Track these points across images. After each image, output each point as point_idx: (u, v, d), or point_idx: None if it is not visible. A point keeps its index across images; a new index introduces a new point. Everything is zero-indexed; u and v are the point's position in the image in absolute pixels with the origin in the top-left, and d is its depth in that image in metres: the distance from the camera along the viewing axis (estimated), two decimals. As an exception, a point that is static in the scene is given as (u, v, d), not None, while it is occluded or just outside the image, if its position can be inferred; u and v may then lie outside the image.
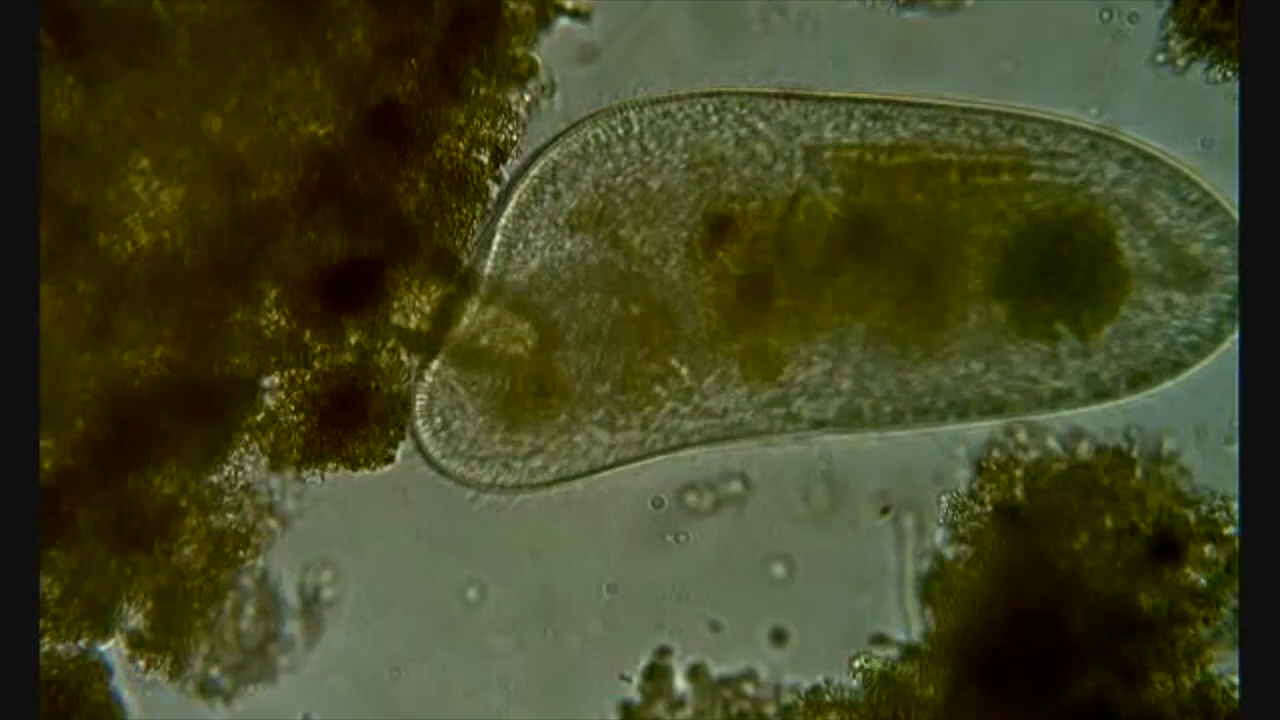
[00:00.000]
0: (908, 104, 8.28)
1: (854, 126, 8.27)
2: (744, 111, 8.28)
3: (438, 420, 8.34)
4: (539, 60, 8.24)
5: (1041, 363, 8.25)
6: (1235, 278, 8.17)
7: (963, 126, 8.27)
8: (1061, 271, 8.20)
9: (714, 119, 8.27)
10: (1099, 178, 8.23)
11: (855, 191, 8.21)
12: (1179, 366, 8.25)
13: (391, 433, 8.28)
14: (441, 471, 8.35)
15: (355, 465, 8.26)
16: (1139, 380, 8.25)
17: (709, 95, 8.28)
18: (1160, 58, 8.24)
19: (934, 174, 8.25)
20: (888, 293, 8.21)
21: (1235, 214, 8.19)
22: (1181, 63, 8.22)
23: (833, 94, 8.29)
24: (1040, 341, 8.23)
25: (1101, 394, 8.27)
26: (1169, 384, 8.26)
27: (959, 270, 8.19)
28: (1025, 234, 8.18)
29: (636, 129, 8.27)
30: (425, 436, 8.34)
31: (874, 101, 8.27)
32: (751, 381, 8.26)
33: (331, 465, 8.25)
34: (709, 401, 8.31)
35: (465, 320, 8.29)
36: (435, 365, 8.31)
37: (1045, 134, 8.26)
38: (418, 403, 8.32)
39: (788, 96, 8.26)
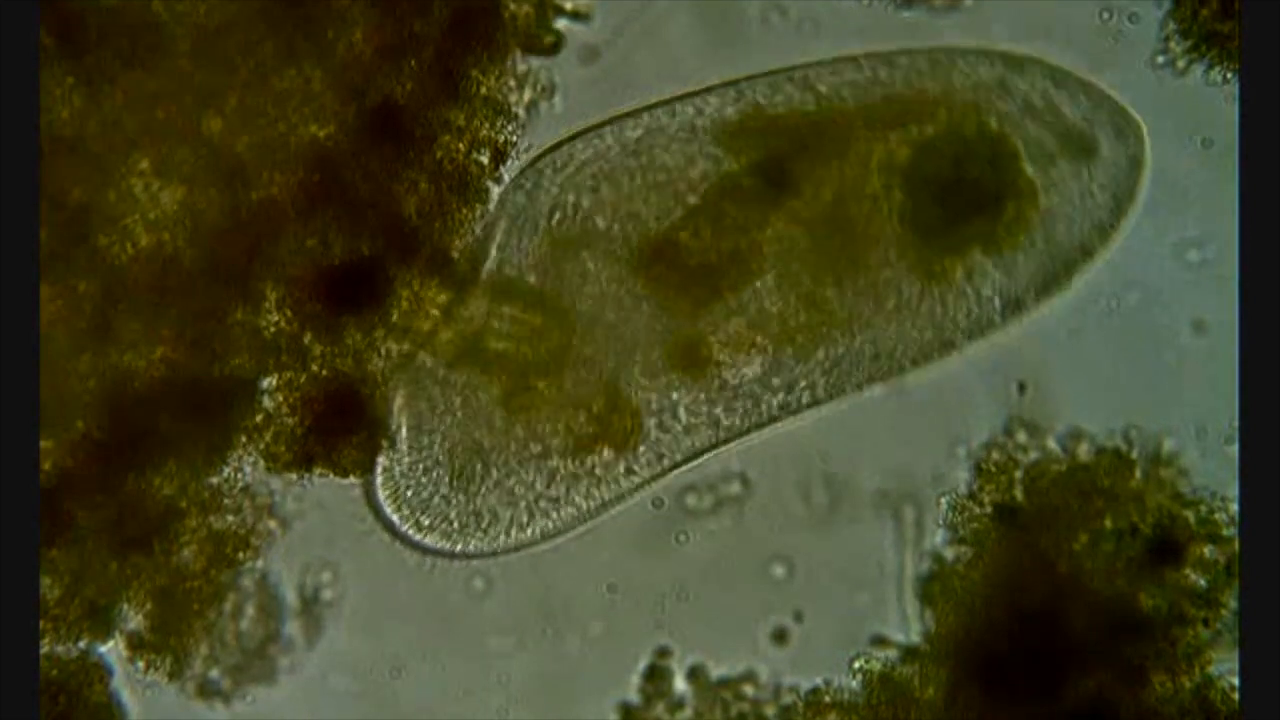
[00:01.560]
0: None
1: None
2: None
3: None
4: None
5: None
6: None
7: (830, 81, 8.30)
8: (966, 190, 8.22)
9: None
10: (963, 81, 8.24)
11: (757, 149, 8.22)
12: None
13: (383, 442, 8.28)
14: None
15: (344, 473, 8.26)
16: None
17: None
18: (1161, 59, 8.25)
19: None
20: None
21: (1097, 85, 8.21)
22: (1182, 64, 8.22)
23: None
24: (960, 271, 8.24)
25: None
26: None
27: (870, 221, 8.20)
28: (920, 167, 8.19)
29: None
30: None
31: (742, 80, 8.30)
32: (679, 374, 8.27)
33: (320, 470, 8.25)
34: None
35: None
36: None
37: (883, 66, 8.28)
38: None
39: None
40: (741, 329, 8.23)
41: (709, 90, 8.29)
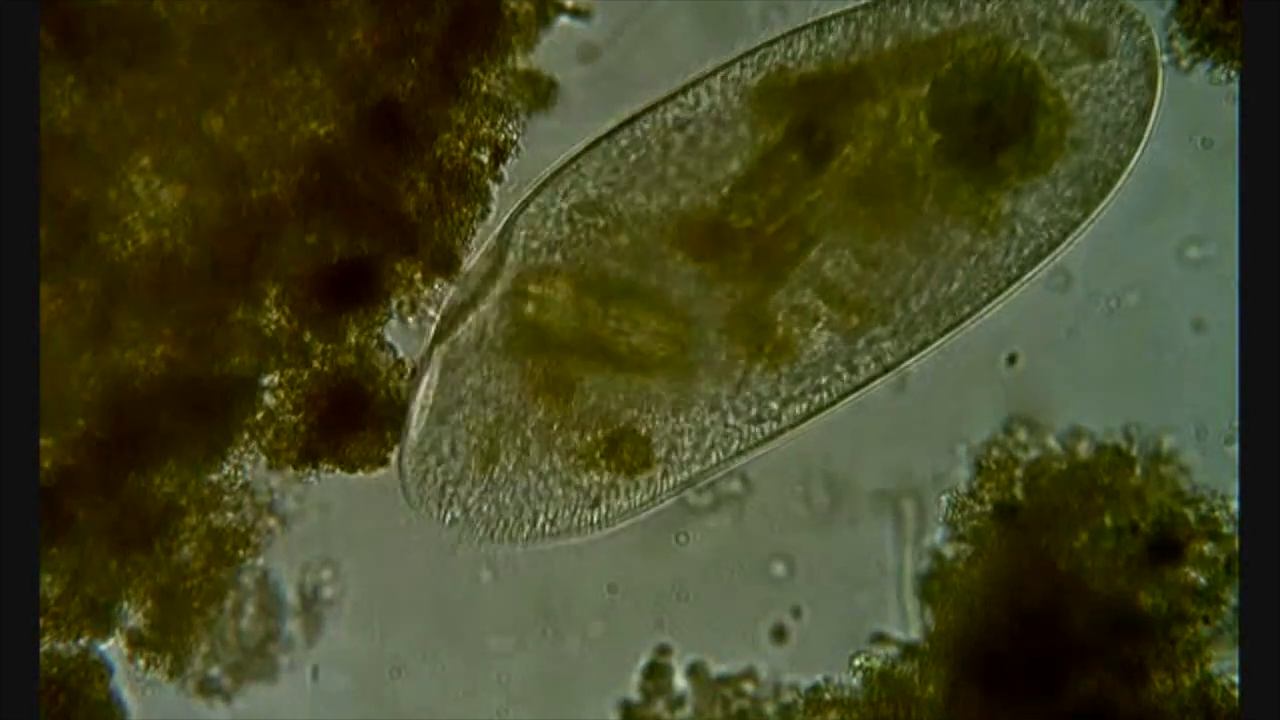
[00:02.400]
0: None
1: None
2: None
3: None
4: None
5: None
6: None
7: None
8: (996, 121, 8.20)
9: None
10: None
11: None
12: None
13: (388, 435, 8.28)
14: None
15: (351, 468, 8.26)
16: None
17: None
18: (1165, 58, 8.24)
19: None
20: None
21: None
22: (1185, 63, 8.22)
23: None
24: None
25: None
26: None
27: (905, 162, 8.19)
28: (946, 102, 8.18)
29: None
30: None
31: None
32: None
33: (327, 467, 8.26)
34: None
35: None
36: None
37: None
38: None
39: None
40: (809, 301, 8.22)
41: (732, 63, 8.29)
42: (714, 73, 8.26)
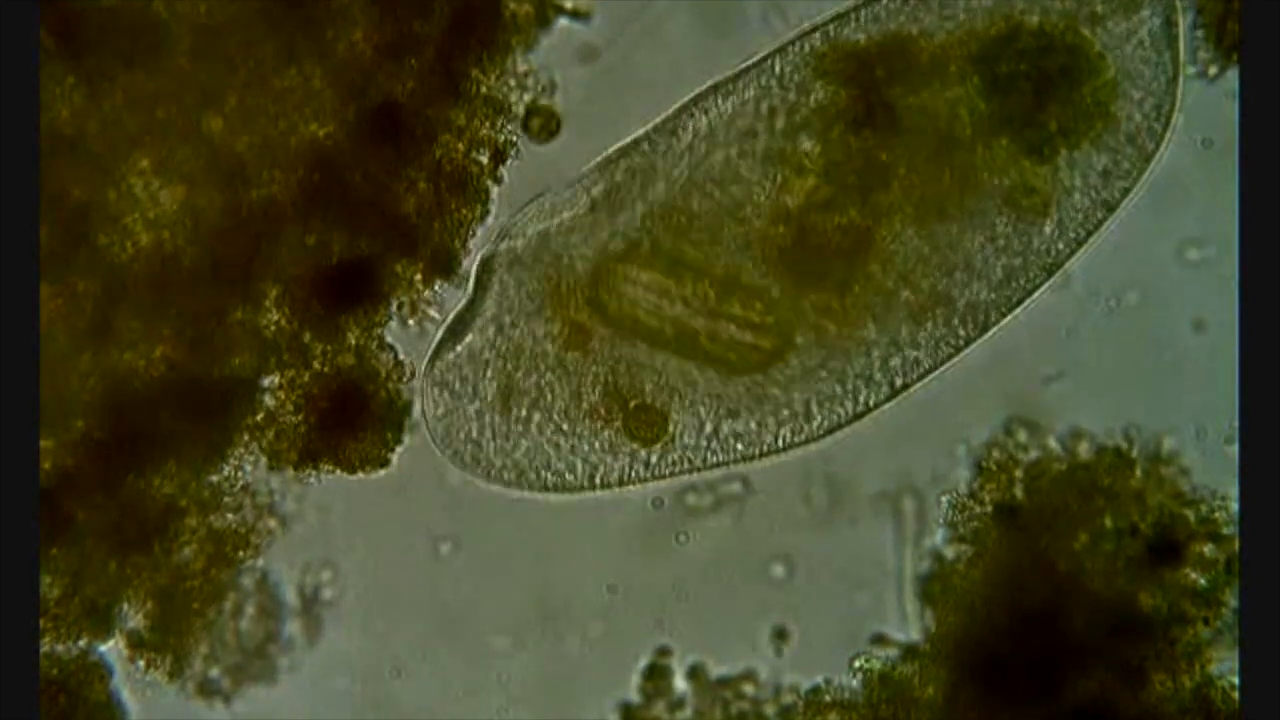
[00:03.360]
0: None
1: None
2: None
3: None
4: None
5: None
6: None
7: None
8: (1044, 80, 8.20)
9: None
10: None
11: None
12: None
13: (388, 436, 8.28)
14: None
15: (351, 469, 8.26)
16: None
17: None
18: (1191, 70, 8.24)
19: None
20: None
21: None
22: (1213, 72, 8.22)
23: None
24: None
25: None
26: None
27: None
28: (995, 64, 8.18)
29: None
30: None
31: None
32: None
33: (328, 468, 8.26)
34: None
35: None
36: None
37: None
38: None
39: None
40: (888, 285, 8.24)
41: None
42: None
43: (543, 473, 8.34)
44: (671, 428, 8.29)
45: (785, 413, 8.31)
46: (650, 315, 8.23)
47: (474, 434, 8.34)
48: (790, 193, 8.16)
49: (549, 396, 8.29)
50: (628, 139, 8.27)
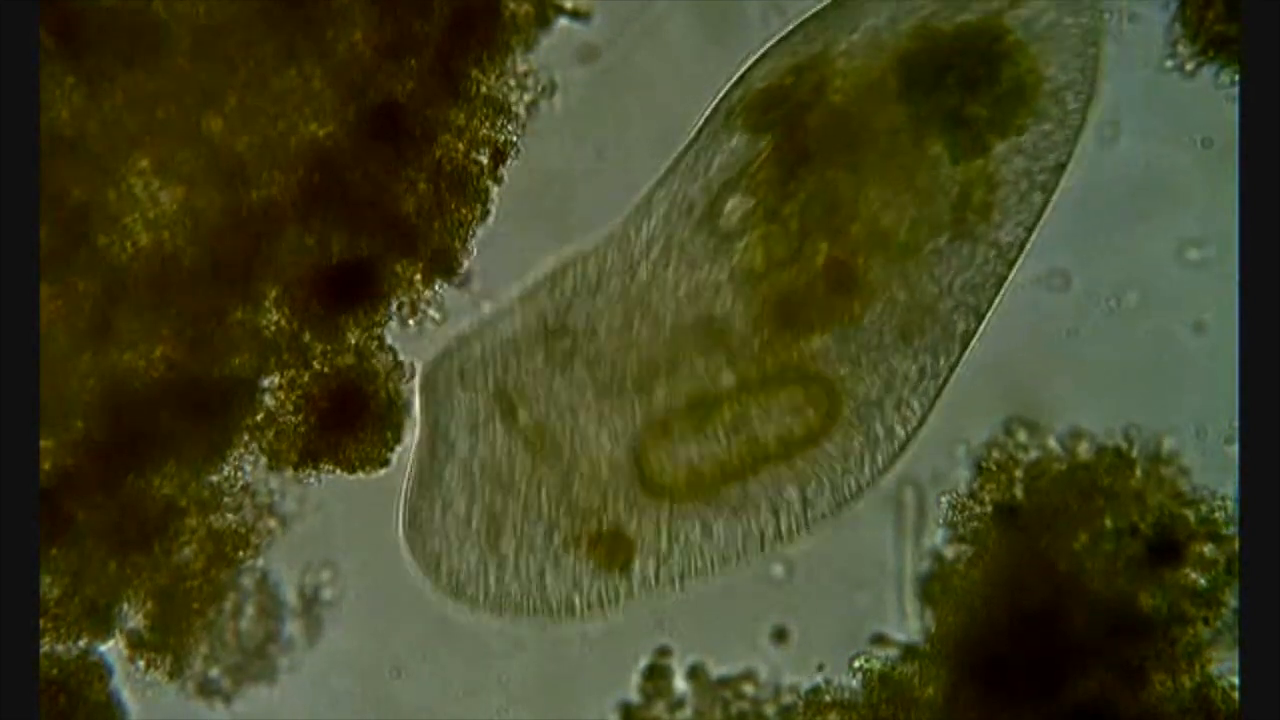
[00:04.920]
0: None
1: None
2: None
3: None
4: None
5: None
6: None
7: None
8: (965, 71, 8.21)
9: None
10: None
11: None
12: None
13: (388, 436, 8.28)
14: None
15: (351, 468, 8.26)
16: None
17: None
18: (1169, 63, 8.25)
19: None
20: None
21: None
22: (1190, 67, 8.22)
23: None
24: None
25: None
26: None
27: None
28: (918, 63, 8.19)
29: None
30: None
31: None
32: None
33: (328, 468, 8.26)
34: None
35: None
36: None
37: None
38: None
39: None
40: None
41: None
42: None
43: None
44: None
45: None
46: (704, 466, 8.25)
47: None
48: (746, 258, 8.17)
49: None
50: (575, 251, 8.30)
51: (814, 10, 8.27)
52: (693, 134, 8.29)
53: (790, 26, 8.26)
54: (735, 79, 8.27)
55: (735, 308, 8.18)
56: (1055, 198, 8.24)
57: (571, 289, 8.29)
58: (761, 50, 8.27)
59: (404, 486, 8.32)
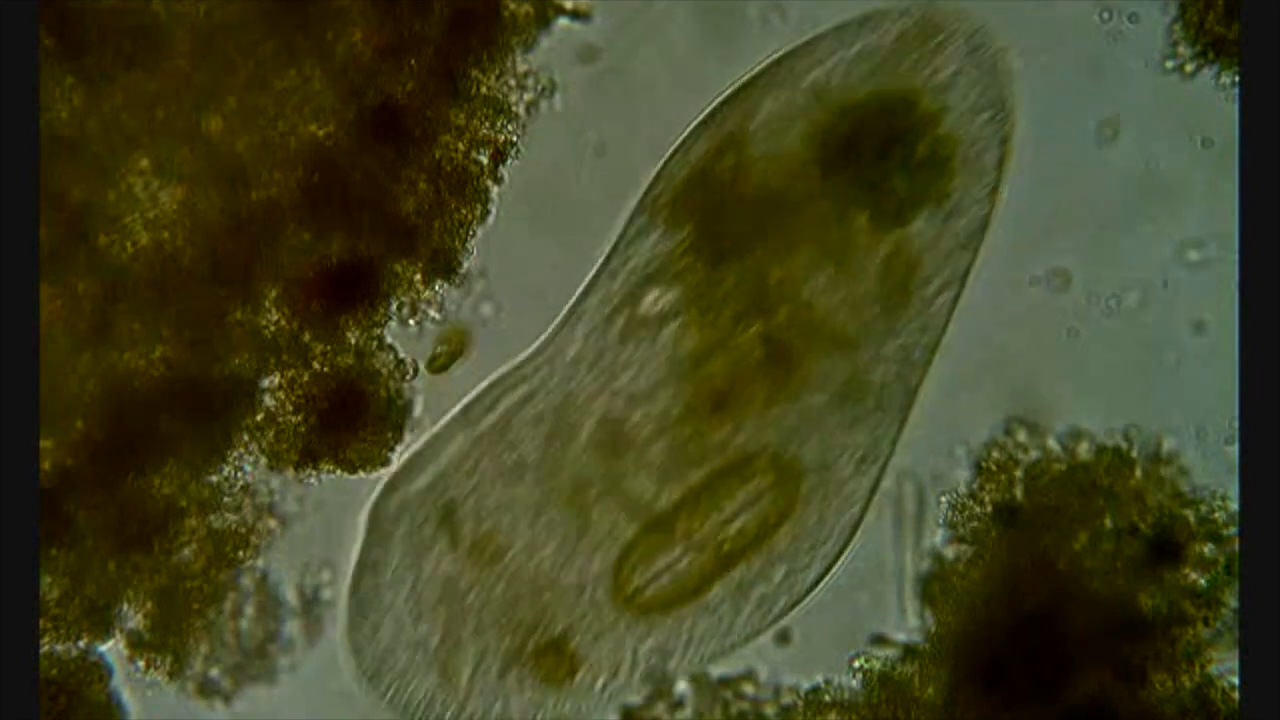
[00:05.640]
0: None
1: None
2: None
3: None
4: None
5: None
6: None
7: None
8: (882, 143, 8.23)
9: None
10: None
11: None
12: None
13: (389, 436, 8.28)
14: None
15: (352, 469, 8.26)
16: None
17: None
18: (1170, 64, 8.25)
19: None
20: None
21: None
22: (1190, 69, 8.23)
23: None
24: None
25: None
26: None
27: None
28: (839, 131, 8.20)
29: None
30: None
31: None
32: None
33: (328, 468, 8.25)
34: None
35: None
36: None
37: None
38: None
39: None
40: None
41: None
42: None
43: None
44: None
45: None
46: (679, 582, 8.25)
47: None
48: (674, 349, 8.19)
49: None
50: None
51: (726, 94, 8.28)
52: (615, 235, 8.31)
53: (705, 110, 8.27)
54: (655, 173, 8.30)
55: (666, 405, 8.20)
56: (982, 252, 8.27)
57: (506, 406, 8.31)
58: (679, 139, 8.28)
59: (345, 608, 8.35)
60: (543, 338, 8.32)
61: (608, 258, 8.30)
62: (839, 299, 8.15)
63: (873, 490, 8.28)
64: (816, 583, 8.30)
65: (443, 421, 8.32)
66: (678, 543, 8.17)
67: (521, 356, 8.31)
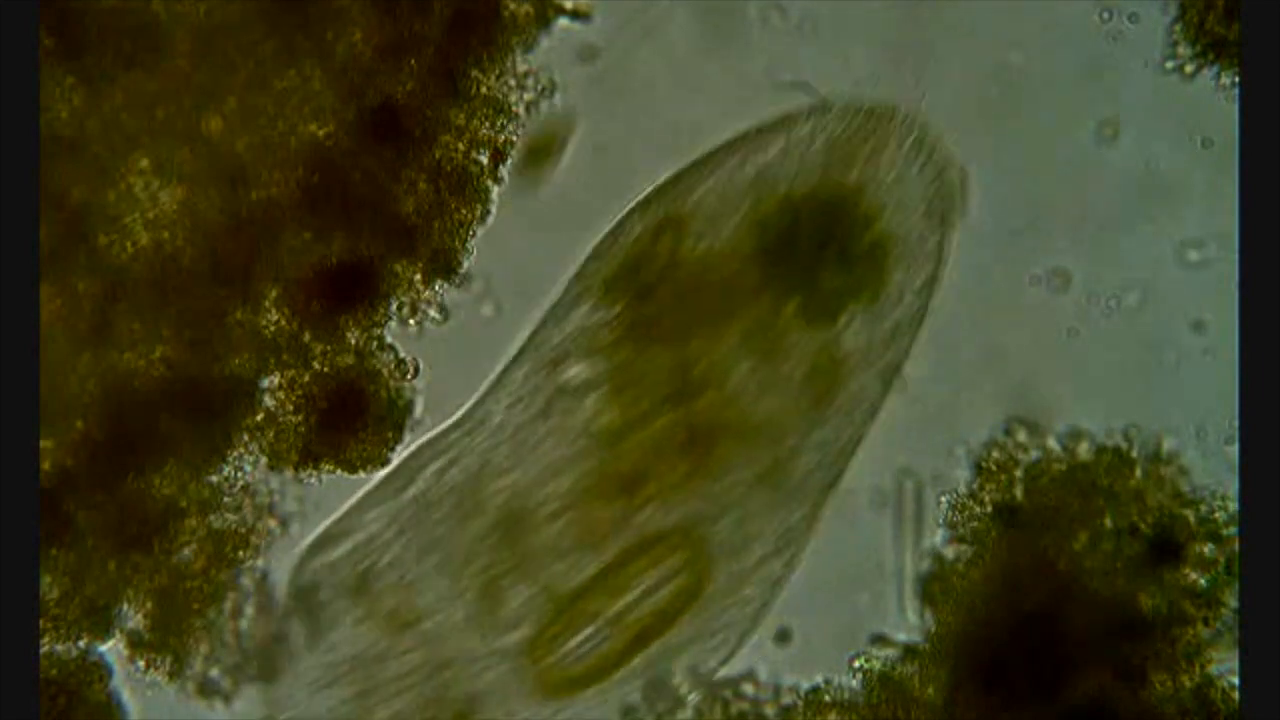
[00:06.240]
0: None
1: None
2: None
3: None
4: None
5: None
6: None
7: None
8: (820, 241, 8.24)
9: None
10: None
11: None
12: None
13: (389, 436, 8.28)
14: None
15: (352, 468, 8.26)
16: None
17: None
18: (1170, 65, 8.26)
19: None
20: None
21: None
22: (1190, 69, 8.23)
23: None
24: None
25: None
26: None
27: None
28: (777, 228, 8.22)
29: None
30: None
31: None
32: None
33: (328, 467, 8.25)
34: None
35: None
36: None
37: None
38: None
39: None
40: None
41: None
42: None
43: None
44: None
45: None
46: (591, 660, 8.26)
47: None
48: (596, 422, 8.21)
49: None
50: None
51: (668, 176, 8.31)
52: (547, 307, 8.32)
53: (646, 191, 8.29)
54: (592, 248, 8.32)
55: (580, 481, 8.21)
56: (913, 348, 8.30)
57: (426, 477, 8.32)
58: (618, 217, 8.30)
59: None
60: (468, 405, 8.31)
61: (538, 327, 8.30)
62: (765, 389, 8.17)
63: (786, 570, 8.27)
64: (726, 660, 8.32)
65: (364, 489, 8.31)
66: (589, 621, 8.18)
67: (445, 424, 8.31)
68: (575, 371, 8.19)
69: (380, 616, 8.20)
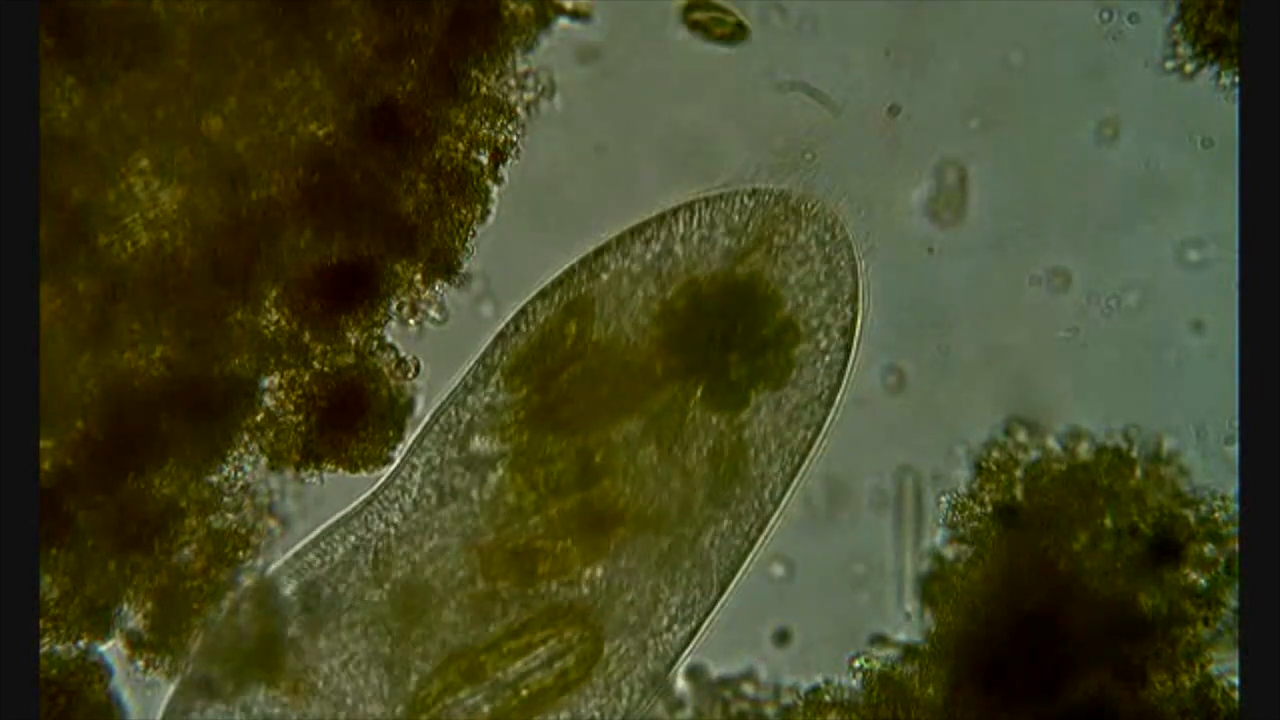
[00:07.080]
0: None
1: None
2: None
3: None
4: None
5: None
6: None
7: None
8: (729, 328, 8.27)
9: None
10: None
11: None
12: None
13: (390, 434, 8.28)
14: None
15: (354, 467, 8.26)
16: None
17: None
18: (1169, 64, 8.26)
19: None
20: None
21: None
22: (1190, 69, 8.23)
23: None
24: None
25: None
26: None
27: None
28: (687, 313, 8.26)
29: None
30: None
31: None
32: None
33: (330, 467, 8.25)
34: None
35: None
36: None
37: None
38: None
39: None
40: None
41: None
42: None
43: None
44: None
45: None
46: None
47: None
48: (499, 498, 8.22)
49: None
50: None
51: (577, 259, 8.33)
52: (453, 389, 8.33)
53: (555, 274, 8.31)
54: (498, 332, 8.35)
55: (477, 556, 8.22)
56: (827, 426, 8.32)
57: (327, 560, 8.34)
58: (526, 299, 8.33)
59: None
60: (386, 472, 8.32)
61: (446, 401, 8.32)
62: (669, 474, 8.19)
63: (685, 645, 8.30)
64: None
65: (285, 557, 8.32)
66: (482, 688, 8.19)
67: (363, 496, 8.33)
68: (481, 445, 8.23)
69: (288, 684, 8.26)
